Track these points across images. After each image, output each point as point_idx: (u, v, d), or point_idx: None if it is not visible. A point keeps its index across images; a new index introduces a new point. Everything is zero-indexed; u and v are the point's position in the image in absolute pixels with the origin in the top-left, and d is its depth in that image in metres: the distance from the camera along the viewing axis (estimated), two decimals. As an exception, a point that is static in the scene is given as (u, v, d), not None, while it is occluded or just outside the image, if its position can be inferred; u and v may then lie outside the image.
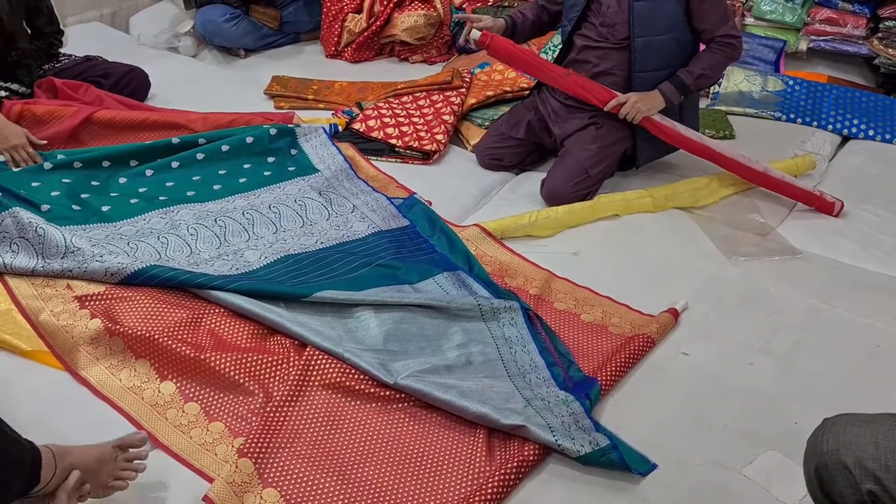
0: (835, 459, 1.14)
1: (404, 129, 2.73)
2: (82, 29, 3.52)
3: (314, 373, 1.72)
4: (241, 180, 2.46)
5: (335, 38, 3.51)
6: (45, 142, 2.46)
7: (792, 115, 2.98)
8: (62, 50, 3.05)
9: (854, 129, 2.92)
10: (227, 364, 1.71)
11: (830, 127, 2.93)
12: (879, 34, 3.19)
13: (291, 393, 1.67)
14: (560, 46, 2.57)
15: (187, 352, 1.72)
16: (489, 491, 1.48)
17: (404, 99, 2.92)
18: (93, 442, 1.57)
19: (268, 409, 1.63)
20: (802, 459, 1.22)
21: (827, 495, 1.18)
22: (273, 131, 2.62)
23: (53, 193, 2.28)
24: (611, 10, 2.38)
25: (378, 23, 3.44)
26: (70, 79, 2.81)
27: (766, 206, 2.45)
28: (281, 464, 1.54)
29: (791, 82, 3.11)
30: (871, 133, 2.90)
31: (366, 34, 3.45)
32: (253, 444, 1.55)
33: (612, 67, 2.43)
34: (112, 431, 1.60)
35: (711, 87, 3.15)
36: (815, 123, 2.94)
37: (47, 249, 1.95)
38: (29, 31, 2.84)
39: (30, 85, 2.75)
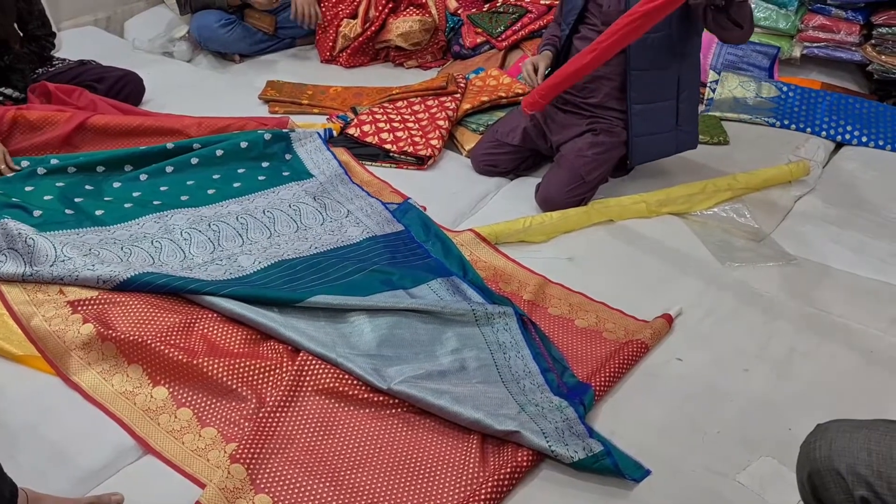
0: (827, 466, 1.14)
1: (399, 134, 2.73)
2: (77, 33, 3.51)
3: (307, 378, 1.71)
4: (236, 185, 2.46)
5: (330, 43, 3.51)
6: (17, 168, 2.41)
7: (786, 122, 2.99)
8: (57, 54, 3.05)
9: (848, 136, 2.92)
10: (220, 369, 1.70)
11: (824, 133, 2.93)
12: (873, 41, 3.21)
13: (284, 398, 1.66)
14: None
15: (180, 357, 1.71)
16: (483, 497, 1.48)
17: (399, 104, 2.92)
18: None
19: (261, 414, 1.63)
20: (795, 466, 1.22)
21: (820, 501, 1.17)
22: (268, 136, 2.61)
23: (46, 197, 2.27)
24: (611, 8, 2.37)
25: (373, 28, 3.45)
26: (64, 83, 2.79)
27: (761, 211, 2.45)
28: (273, 470, 1.54)
29: (785, 88, 3.12)
30: (864, 139, 2.91)
31: (360, 39, 3.45)
32: (245, 450, 1.54)
33: (611, 72, 2.42)
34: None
35: (706, 94, 3.16)
36: (808, 129, 2.95)
37: (36, 259, 1.94)
38: (21, 35, 2.83)
39: (24, 90, 2.74)
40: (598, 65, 2.32)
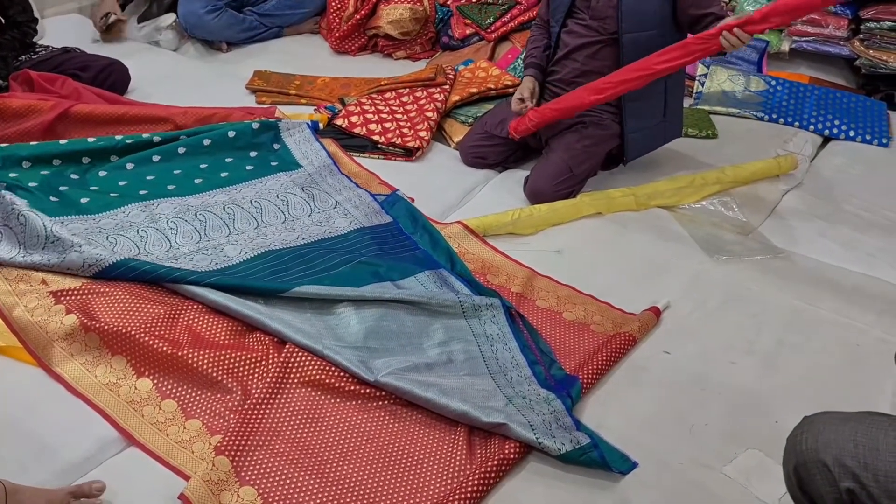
0: (813, 458, 1.14)
1: (387, 125, 2.71)
2: (61, 21, 3.47)
3: (293, 370, 1.70)
4: (223, 174, 2.44)
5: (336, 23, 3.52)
6: None
7: (774, 116, 3.00)
8: (40, 42, 3.01)
9: (835, 130, 2.93)
10: (205, 361, 1.69)
11: (812, 127, 2.94)
12: (861, 35, 3.22)
13: (270, 390, 1.65)
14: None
15: (165, 348, 1.69)
16: (469, 489, 1.48)
17: (387, 95, 2.90)
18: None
19: (246, 406, 1.61)
20: (782, 458, 1.22)
21: (806, 494, 1.18)
22: (256, 126, 2.59)
23: (31, 184, 2.24)
24: (601, 3, 2.37)
25: (364, 10, 3.43)
26: (47, 71, 2.76)
27: (749, 205, 2.45)
28: (259, 462, 1.53)
29: (773, 82, 3.12)
30: (851, 134, 2.92)
31: (352, 23, 3.43)
32: (230, 442, 1.53)
33: (600, 66, 2.42)
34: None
35: (695, 87, 3.17)
36: (796, 124, 2.96)
37: (28, 239, 1.92)
38: (3, 21, 2.79)
39: (6, 77, 2.71)
40: (601, 102, 2.37)
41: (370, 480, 1.52)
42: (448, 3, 3.57)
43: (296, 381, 1.69)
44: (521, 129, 2.47)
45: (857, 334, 1.96)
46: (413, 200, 2.37)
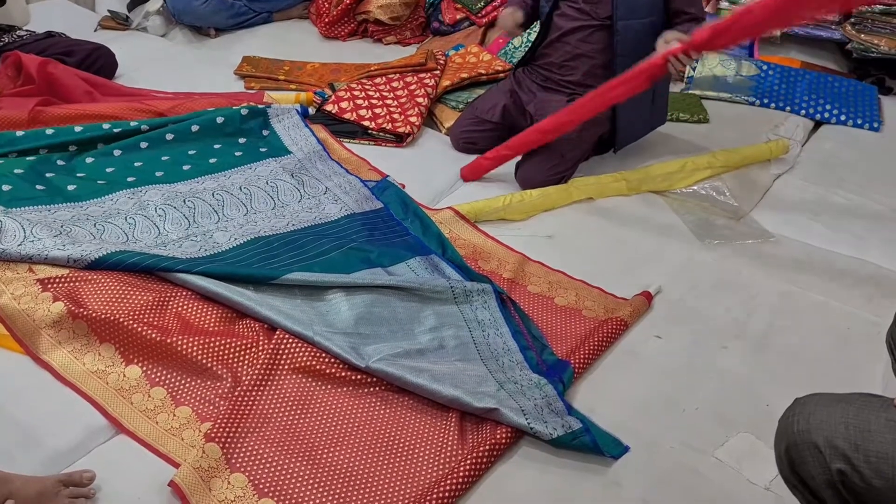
0: (805, 439, 1.14)
1: (377, 110, 2.70)
2: (47, 6, 3.43)
3: (284, 356, 1.69)
4: (212, 161, 2.42)
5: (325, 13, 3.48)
6: None
7: (766, 100, 2.99)
8: (26, 28, 2.97)
9: (826, 114, 2.93)
10: (195, 348, 1.68)
11: (803, 112, 2.94)
12: (852, 19, 3.21)
13: (260, 377, 1.64)
14: (530, 37, 2.56)
15: (153, 335, 1.68)
16: (461, 474, 1.47)
17: (377, 81, 2.88)
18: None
19: (236, 393, 1.60)
20: (773, 440, 1.22)
21: (797, 475, 1.18)
22: (244, 111, 2.57)
23: (16, 171, 2.22)
24: None
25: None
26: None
27: (740, 189, 2.45)
28: (249, 448, 1.52)
29: (765, 67, 3.12)
30: (843, 118, 2.92)
31: (340, 9, 3.40)
32: (221, 429, 1.52)
33: (592, 50, 2.41)
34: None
35: (686, 72, 3.15)
36: (788, 108, 2.95)
37: (4, 239, 1.89)
38: None
39: None
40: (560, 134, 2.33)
41: (362, 466, 1.52)
42: (439, -12, 3.54)
43: (286, 367, 1.68)
44: (473, 168, 2.47)
45: (848, 317, 1.96)
46: (404, 186, 2.36)
